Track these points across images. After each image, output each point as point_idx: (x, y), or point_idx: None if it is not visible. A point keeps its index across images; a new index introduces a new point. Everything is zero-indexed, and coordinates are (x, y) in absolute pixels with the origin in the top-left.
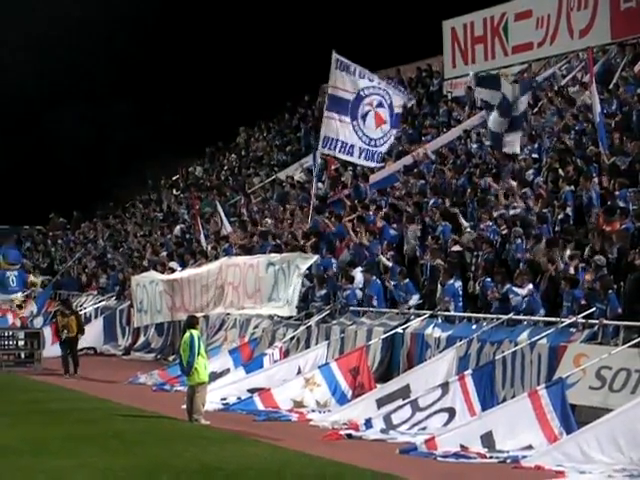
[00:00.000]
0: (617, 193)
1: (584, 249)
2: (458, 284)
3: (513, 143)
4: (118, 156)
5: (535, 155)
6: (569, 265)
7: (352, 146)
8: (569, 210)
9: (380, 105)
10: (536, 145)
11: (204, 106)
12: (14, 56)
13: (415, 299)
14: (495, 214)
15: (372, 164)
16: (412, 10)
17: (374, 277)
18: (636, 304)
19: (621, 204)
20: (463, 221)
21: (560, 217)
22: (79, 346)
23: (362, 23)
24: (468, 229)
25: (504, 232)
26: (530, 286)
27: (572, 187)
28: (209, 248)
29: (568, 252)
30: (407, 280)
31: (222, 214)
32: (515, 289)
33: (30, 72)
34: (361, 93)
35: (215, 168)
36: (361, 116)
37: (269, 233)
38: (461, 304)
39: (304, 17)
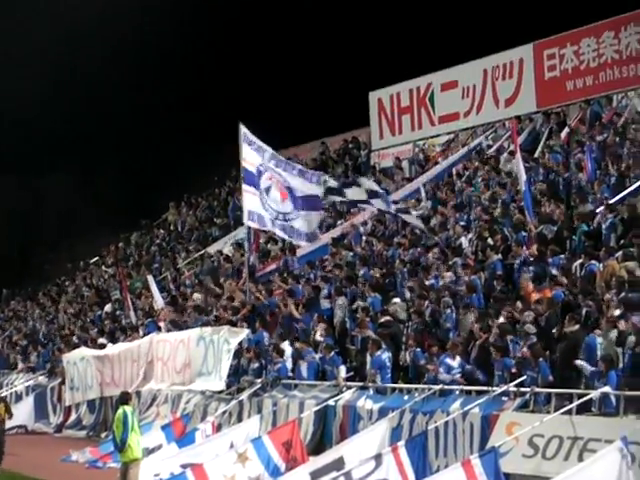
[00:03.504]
0: (550, 260)
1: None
2: (386, 355)
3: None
4: (50, 231)
5: (463, 224)
6: (499, 334)
7: (263, 217)
8: (498, 279)
9: (279, 182)
10: (465, 215)
11: (135, 181)
12: None
13: (343, 371)
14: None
15: (286, 237)
16: (338, 81)
17: (306, 349)
18: (567, 371)
19: (554, 271)
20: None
21: (490, 286)
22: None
23: (288, 95)
24: (395, 300)
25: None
26: (458, 359)
27: (500, 256)
28: (139, 324)
29: (500, 320)
30: (333, 353)
31: (154, 289)
32: (448, 361)
33: None
34: (260, 168)
35: (144, 243)
36: (264, 189)
37: (201, 308)
38: (389, 375)
39: (229, 88)
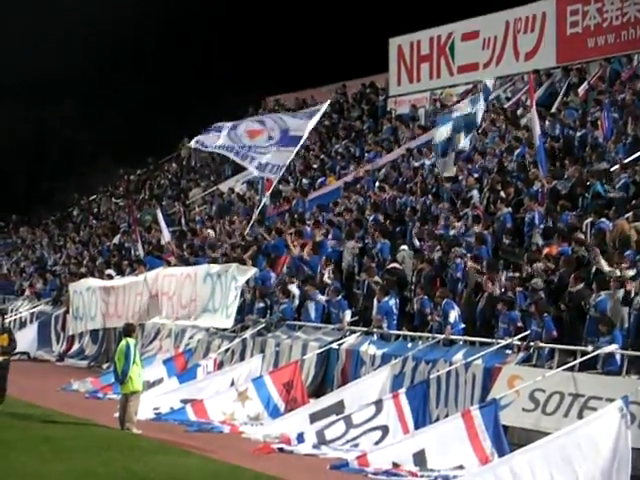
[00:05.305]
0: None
1: (522, 271)
2: (393, 302)
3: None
4: (58, 160)
5: (476, 175)
6: (507, 287)
7: (228, 147)
8: (507, 232)
9: (259, 122)
10: (477, 165)
11: (148, 114)
12: None
13: (348, 315)
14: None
15: (248, 166)
16: (359, 26)
17: (314, 291)
18: (574, 329)
19: (562, 227)
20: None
21: (498, 239)
22: None
23: (309, 37)
24: (403, 247)
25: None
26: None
27: (510, 209)
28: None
29: (506, 274)
30: (339, 297)
31: (162, 223)
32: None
33: None
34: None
35: (157, 177)
36: (232, 127)
37: (214, 245)
38: (395, 322)
39: (251, 25)
